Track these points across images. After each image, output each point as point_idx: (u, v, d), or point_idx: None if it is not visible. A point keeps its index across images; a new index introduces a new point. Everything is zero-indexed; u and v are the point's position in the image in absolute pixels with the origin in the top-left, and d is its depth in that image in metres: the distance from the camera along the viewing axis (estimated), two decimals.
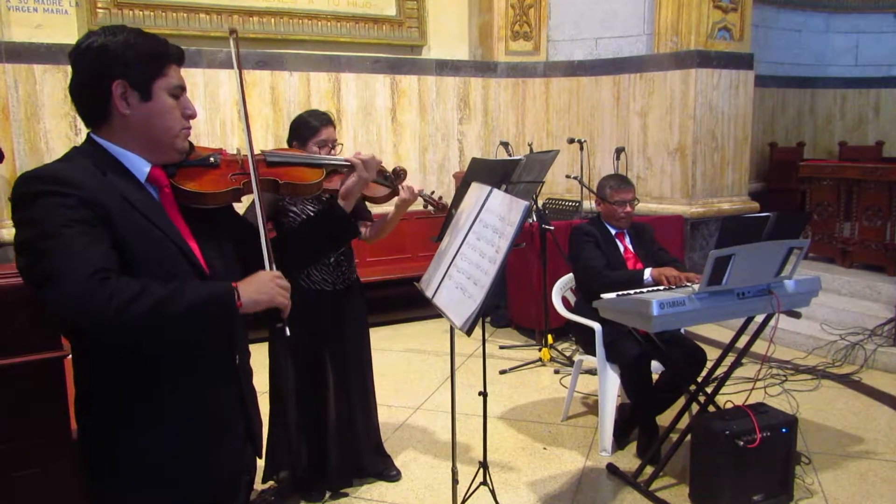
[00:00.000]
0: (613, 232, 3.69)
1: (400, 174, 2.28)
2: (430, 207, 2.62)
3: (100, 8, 5.37)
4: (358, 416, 3.13)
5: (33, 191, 1.27)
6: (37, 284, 1.22)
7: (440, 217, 2.93)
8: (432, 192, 2.66)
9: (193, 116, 1.49)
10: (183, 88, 1.46)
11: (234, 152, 1.63)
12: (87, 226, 1.25)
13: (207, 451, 1.45)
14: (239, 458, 1.55)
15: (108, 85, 1.35)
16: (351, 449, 3.12)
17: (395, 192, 2.47)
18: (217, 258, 1.49)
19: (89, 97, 1.39)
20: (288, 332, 1.47)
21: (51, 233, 1.22)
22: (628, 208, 3.63)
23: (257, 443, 1.64)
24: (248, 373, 1.62)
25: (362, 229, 3.00)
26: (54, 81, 5.22)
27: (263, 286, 1.40)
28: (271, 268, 1.46)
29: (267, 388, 4.43)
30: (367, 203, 2.63)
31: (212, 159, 1.56)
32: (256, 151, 1.62)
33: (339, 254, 2.98)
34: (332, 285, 2.98)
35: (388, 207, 2.59)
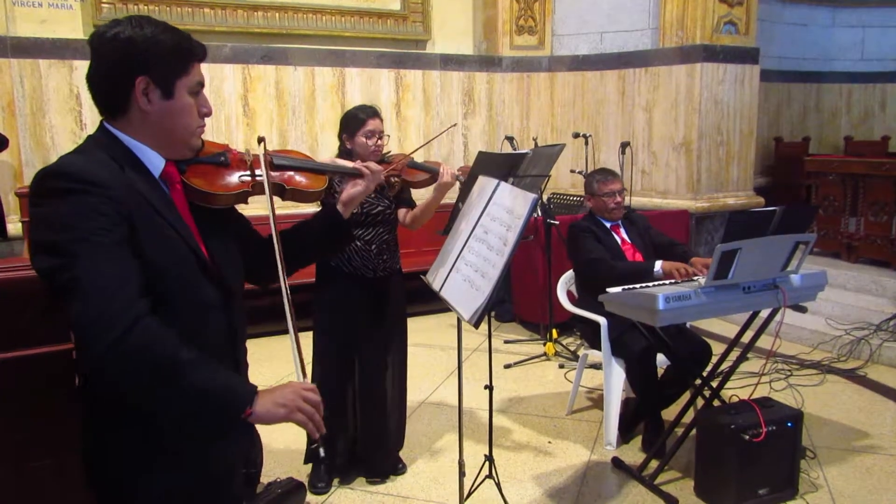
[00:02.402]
0: (608, 225, 3.69)
1: (394, 185, 2.31)
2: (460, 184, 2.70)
3: (104, 3, 5.37)
4: (390, 409, 3.18)
5: (60, 187, 1.23)
6: (61, 290, 1.20)
7: (447, 210, 2.96)
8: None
9: (209, 114, 1.48)
10: (202, 85, 1.45)
11: (243, 151, 1.62)
12: (115, 234, 1.23)
13: (206, 447, 1.44)
14: (236, 450, 1.55)
15: (132, 80, 1.33)
16: (376, 441, 3.17)
17: (434, 178, 2.51)
18: (223, 256, 1.49)
19: (110, 89, 1.37)
20: (322, 454, 1.43)
21: (80, 237, 1.20)
22: (618, 199, 3.65)
23: (252, 436, 1.64)
24: (245, 366, 1.62)
25: (404, 213, 3.10)
26: (59, 76, 5.22)
27: (284, 398, 1.34)
28: (302, 373, 1.44)
29: (278, 380, 4.45)
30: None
31: (222, 158, 1.56)
32: (262, 151, 1.62)
33: (381, 242, 3.03)
34: (373, 272, 3.03)
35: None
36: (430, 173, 2.84)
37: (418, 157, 3.01)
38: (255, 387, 1.33)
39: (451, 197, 2.89)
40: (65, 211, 1.22)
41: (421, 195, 3.01)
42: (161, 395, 1.25)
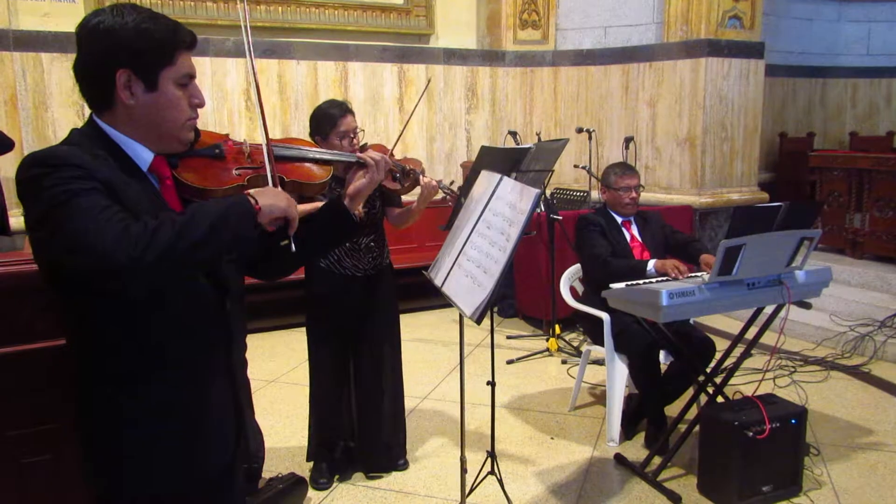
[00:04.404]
0: (620, 220, 3.67)
1: (409, 174, 2.26)
2: (448, 199, 2.64)
3: None
4: (386, 404, 3.16)
5: (45, 171, 1.21)
6: (60, 251, 1.17)
7: (449, 205, 2.94)
8: (451, 183, 2.67)
9: (201, 105, 1.42)
10: (192, 76, 1.40)
11: (241, 141, 1.57)
12: (99, 193, 1.21)
13: (200, 442, 1.43)
14: (232, 447, 1.55)
15: (112, 73, 1.30)
16: (376, 437, 3.16)
17: (416, 184, 2.48)
18: None
19: (92, 82, 1.34)
20: (294, 248, 1.43)
21: (68, 199, 1.18)
22: (633, 194, 3.62)
23: (247, 433, 1.63)
24: (243, 364, 1.61)
25: (391, 211, 3.07)
26: (62, 70, 5.22)
27: (277, 195, 1.37)
28: (273, 182, 1.45)
29: (275, 377, 4.45)
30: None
31: (217, 150, 1.51)
32: (263, 141, 1.56)
33: (369, 239, 3.00)
34: (363, 271, 3.00)
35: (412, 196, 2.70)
36: (412, 180, 2.78)
37: (401, 152, 2.95)
38: (244, 193, 1.34)
39: None
40: (48, 185, 1.20)
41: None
42: (189, 260, 1.24)
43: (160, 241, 1.17)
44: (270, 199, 1.34)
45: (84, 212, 1.17)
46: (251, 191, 1.33)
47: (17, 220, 5.06)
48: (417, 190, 2.66)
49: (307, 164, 1.64)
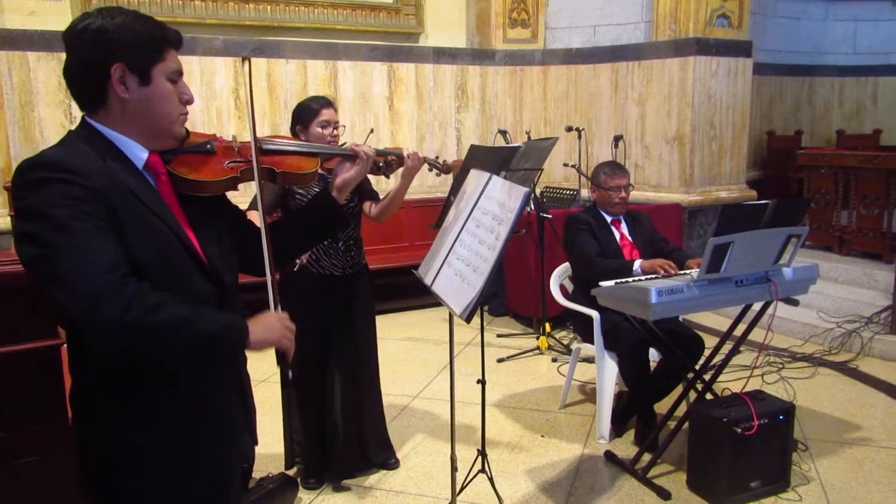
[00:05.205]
0: (609, 219, 3.68)
1: (392, 164, 2.28)
2: (435, 171, 2.63)
3: None
4: (365, 405, 3.14)
5: (38, 177, 1.22)
6: (45, 279, 1.19)
7: (439, 204, 2.94)
8: (437, 157, 2.67)
9: (190, 102, 1.46)
10: (180, 73, 1.43)
11: (230, 139, 1.61)
12: (96, 219, 1.22)
13: (207, 442, 1.43)
14: (238, 447, 1.55)
15: (107, 68, 1.32)
16: (357, 439, 3.14)
17: (400, 162, 2.49)
18: (214, 247, 1.47)
19: (86, 80, 1.35)
20: (291, 377, 1.48)
21: (60, 225, 1.19)
22: (623, 194, 3.64)
23: (253, 431, 1.63)
24: (244, 361, 1.61)
25: (369, 206, 3.02)
26: (48, 69, 5.17)
27: (272, 326, 1.41)
28: (276, 308, 1.47)
29: (265, 377, 4.43)
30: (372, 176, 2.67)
31: (208, 146, 1.55)
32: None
33: (348, 238, 2.98)
34: (342, 270, 2.98)
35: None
36: (397, 158, 2.75)
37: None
38: (245, 322, 1.38)
39: (443, 191, 2.83)
40: (42, 201, 1.21)
41: (384, 187, 2.93)
42: (167, 352, 1.28)
43: (149, 322, 1.20)
44: (263, 332, 1.39)
45: (76, 247, 1.19)
46: (250, 321, 1.38)
47: (3, 219, 5.03)
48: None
49: (296, 156, 1.71)
